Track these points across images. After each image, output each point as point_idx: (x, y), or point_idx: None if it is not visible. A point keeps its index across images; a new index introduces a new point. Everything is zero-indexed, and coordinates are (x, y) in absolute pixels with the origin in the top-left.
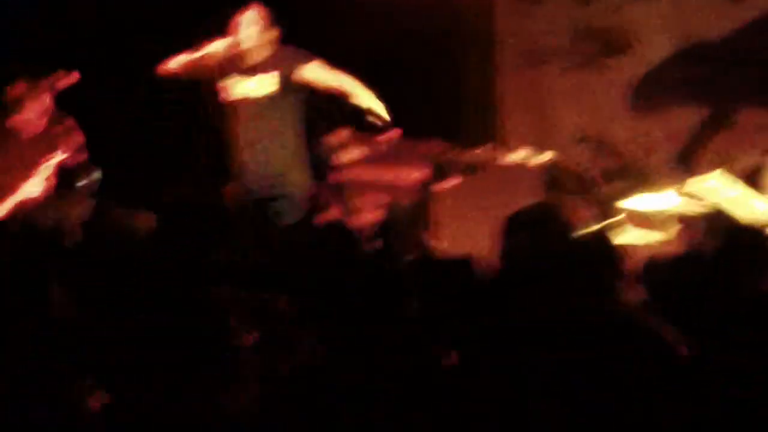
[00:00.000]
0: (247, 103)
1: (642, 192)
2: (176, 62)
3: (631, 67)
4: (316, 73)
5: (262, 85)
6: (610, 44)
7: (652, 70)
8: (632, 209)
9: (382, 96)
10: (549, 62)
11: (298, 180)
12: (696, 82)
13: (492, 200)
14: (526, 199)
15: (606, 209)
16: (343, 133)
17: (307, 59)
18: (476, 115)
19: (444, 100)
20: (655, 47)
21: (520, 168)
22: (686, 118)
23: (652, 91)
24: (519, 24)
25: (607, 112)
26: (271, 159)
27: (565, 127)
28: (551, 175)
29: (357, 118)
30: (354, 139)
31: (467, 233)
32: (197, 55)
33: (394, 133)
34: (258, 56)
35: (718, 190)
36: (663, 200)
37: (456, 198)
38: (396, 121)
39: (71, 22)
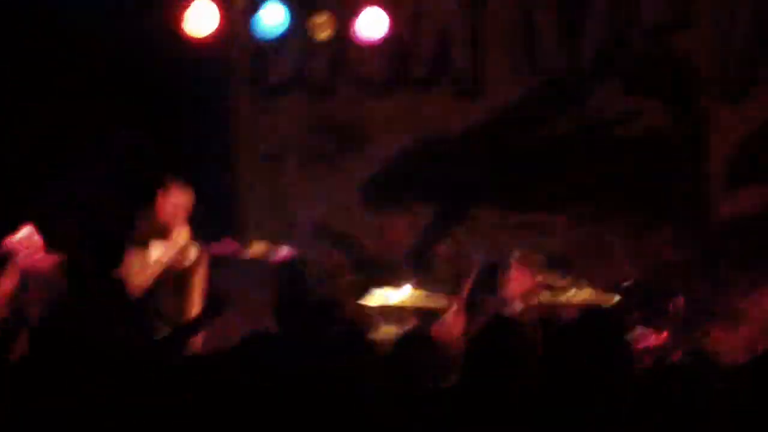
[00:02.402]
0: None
1: (379, 286)
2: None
3: (369, 162)
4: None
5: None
6: (348, 139)
7: (390, 164)
8: (370, 302)
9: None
10: (288, 157)
11: None
12: (434, 177)
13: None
14: (264, 293)
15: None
16: None
17: None
18: (215, 208)
19: None
20: (394, 142)
21: (259, 262)
22: (424, 213)
23: (390, 186)
24: (258, 118)
25: (345, 207)
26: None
27: (304, 221)
28: (291, 269)
29: None
30: None
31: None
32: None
33: None
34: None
35: None
36: (399, 294)
37: None
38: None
39: None
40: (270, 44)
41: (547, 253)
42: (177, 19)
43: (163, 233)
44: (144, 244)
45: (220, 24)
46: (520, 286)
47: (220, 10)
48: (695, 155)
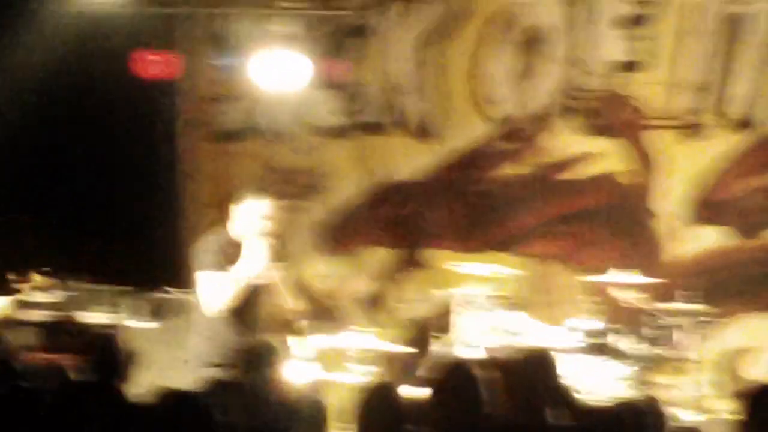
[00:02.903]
0: None
1: (333, 332)
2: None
3: (323, 208)
4: None
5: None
6: (302, 185)
7: (342, 210)
8: (325, 348)
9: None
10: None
11: None
12: (388, 221)
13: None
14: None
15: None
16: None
17: None
18: (166, 254)
19: (134, 239)
20: (348, 188)
21: None
22: (378, 257)
23: (344, 232)
24: (212, 164)
25: (298, 253)
26: None
27: None
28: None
29: None
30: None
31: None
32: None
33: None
34: None
35: None
36: (354, 339)
37: (147, 339)
38: (82, 262)
39: None
40: (223, 90)
41: (500, 295)
42: (131, 66)
43: (235, 251)
44: (218, 265)
45: (173, 70)
46: (471, 328)
47: (173, 56)
48: (650, 195)
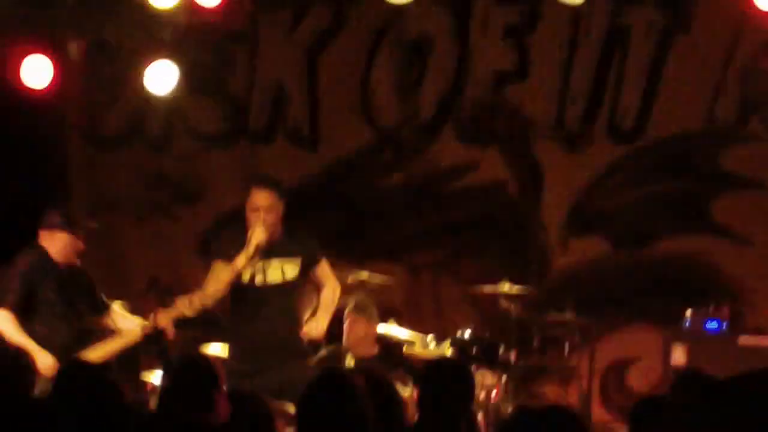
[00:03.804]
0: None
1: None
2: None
3: (203, 216)
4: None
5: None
6: (182, 193)
7: (225, 217)
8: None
9: None
10: (122, 210)
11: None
12: None
13: None
14: None
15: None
16: None
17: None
18: None
19: (15, 246)
20: (228, 196)
21: None
22: None
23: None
24: (92, 172)
25: (179, 260)
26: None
27: (137, 274)
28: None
29: None
30: None
31: None
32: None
33: None
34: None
35: None
36: None
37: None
38: None
39: None
40: (105, 97)
41: (383, 304)
42: (12, 72)
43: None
44: (229, 258)
45: (54, 76)
46: (355, 336)
47: (54, 63)
48: (532, 206)
